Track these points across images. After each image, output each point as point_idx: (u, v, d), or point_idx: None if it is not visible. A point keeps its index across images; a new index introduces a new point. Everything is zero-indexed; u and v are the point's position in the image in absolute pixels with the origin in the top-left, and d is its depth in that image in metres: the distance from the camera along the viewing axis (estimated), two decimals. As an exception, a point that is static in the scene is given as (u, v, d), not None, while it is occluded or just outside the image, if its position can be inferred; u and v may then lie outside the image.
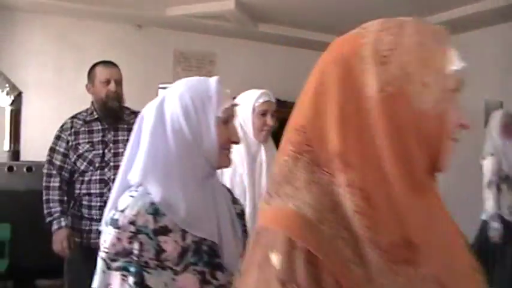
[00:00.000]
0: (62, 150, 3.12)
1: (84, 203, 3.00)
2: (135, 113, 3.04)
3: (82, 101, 6.60)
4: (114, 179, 2.50)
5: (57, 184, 3.08)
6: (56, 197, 3.05)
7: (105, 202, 2.38)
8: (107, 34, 6.54)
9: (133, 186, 1.39)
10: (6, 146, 4.86)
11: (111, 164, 3.00)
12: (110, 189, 2.42)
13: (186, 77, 1.52)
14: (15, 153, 4.87)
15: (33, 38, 6.14)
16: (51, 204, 3.06)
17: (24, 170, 4.65)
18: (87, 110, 3.23)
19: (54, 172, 3.10)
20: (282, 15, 6.54)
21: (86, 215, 3.00)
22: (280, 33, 7.04)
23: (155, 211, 1.32)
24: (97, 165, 3.00)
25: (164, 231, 1.32)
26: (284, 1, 6.03)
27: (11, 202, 4.50)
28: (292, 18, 6.69)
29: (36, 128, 5.87)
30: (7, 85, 4.79)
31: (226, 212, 1.48)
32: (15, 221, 4.38)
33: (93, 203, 2.98)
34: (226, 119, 1.45)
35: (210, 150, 1.40)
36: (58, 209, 3.03)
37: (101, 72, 3.17)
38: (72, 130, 3.14)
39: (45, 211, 3.07)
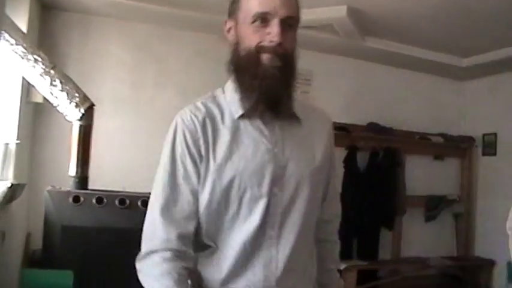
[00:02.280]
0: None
1: None
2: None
3: (162, 118, 5.84)
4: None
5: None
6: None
7: None
8: (191, 44, 5.66)
9: None
10: (72, 170, 3.91)
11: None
12: None
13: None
14: (82, 180, 3.91)
15: (109, 46, 5.31)
16: None
17: (94, 201, 3.69)
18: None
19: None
20: (396, 28, 5.51)
21: None
22: (390, 50, 6.00)
23: None
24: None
25: None
26: (403, 13, 5.01)
27: (76, 242, 3.55)
28: (407, 33, 5.64)
29: (109, 150, 5.01)
30: (77, 95, 3.89)
31: None
32: (79, 266, 3.42)
33: None
34: None
35: None
36: None
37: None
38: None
39: None
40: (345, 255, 6.02)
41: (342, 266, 5.76)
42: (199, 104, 1.53)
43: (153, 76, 5.48)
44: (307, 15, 5.22)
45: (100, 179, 4.24)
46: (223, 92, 1.58)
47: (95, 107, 4.03)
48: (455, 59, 6.43)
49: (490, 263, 6.60)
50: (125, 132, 5.31)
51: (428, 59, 6.24)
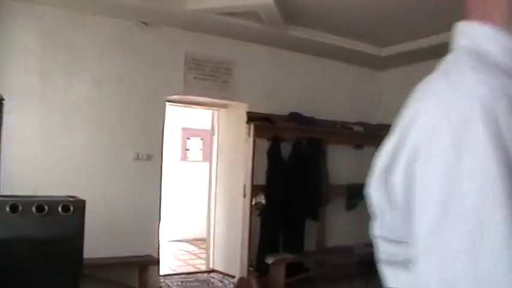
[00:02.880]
0: None
1: None
2: None
3: (75, 112, 5.40)
4: None
5: None
6: None
7: None
8: (106, 30, 5.23)
9: None
10: (-21, 174, 3.47)
11: None
12: None
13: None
14: (-8, 185, 3.49)
15: (16, 33, 4.79)
16: None
17: (7, 209, 3.26)
18: None
19: None
20: (318, 17, 5.45)
21: None
22: (311, 39, 5.89)
23: None
24: None
25: None
26: (327, 1, 4.96)
27: (-11, 258, 3.13)
28: (329, 22, 5.61)
29: (15, 148, 4.52)
30: (-17, 89, 3.44)
31: None
32: (-6, 285, 3.01)
33: None
34: None
35: None
36: None
37: None
38: None
39: None
40: (272, 248, 5.90)
41: (270, 260, 5.63)
42: (486, 67, 0.79)
43: (64, 65, 5.02)
44: (232, 1, 4.97)
45: (6, 182, 3.78)
46: (479, 49, 0.84)
47: (3, 102, 3.58)
48: (374, 48, 6.46)
49: (409, 248, 6.76)
50: (33, 127, 4.83)
51: (349, 48, 6.23)
